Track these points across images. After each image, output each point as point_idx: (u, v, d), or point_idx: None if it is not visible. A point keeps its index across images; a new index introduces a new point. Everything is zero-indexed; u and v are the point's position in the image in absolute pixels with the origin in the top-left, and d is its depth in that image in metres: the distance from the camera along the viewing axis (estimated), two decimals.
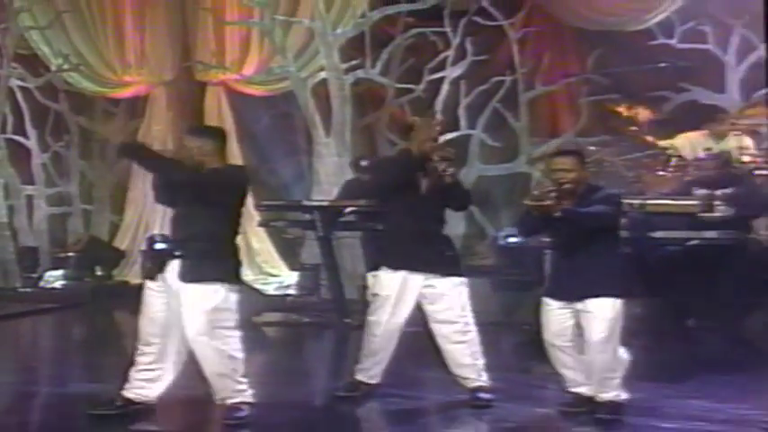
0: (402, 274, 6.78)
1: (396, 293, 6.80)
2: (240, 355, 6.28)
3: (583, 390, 6.48)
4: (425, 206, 6.85)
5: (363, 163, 11.01)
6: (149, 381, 6.38)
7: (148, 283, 6.40)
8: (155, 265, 6.42)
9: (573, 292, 6.38)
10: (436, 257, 6.83)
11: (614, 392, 6.37)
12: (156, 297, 6.32)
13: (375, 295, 6.89)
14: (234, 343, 6.27)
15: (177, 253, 6.25)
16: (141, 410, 6.41)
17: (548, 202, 6.17)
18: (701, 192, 9.85)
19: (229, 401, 6.27)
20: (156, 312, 6.32)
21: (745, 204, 9.71)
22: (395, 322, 6.82)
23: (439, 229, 6.99)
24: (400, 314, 6.82)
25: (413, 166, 6.85)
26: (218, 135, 6.70)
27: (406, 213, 6.86)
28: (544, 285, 6.90)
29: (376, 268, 6.96)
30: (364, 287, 7.86)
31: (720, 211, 9.52)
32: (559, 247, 6.62)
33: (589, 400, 6.45)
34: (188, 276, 6.17)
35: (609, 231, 6.51)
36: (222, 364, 6.24)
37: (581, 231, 6.34)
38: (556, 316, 6.45)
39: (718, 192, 9.78)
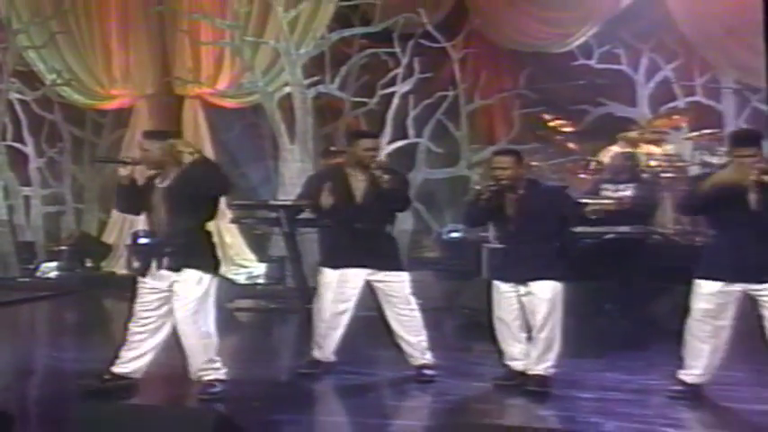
0: (340, 271, 6.81)
1: (335, 288, 6.83)
2: (215, 335, 6.32)
3: (516, 364, 6.54)
4: (364, 210, 6.77)
5: (332, 149, 11.06)
6: (136, 358, 6.40)
7: (141, 279, 6.37)
8: (144, 263, 6.40)
9: (519, 275, 6.41)
10: (376, 254, 6.80)
11: (545, 366, 6.43)
12: (148, 290, 6.33)
13: (320, 286, 6.92)
14: (212, 324, 6.31)
15: (166, 249, 6.23)
16: (126, 385, 6.44)
17: None
18: (608, 186, 10.00)
19: (205, 378, 6.31)
20: (148, 302, 6.33)
21: (644, 200, 9.89)
22: (339, 311, 6.85)
23: (380, 228, 6.92)
24: (342, 305, 6.84)
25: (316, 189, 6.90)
26: (173, 137, 6.58)
27: (345, 217, 6.82)
28: (489, 271, 6.96)
29: (321, 264, 7.00)
30: None
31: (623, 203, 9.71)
32: (507, 236, 6.60)
33: (520, 375, 6.51)
34: (181, 264, 6.18)
35: (552, 222, 6.56)
36: (202, 342, 6.28)
37: (528, 218, 6.38)
38: (505, 296, 6.48)
39: (622, 186, 9.94)
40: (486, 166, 6.66)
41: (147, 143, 6.37)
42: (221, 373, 6.38)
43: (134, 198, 6.45)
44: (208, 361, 6.31)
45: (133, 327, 6.40)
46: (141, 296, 6.37)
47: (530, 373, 6.45)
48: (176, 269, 6.19)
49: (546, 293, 6.37)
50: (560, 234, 6.63)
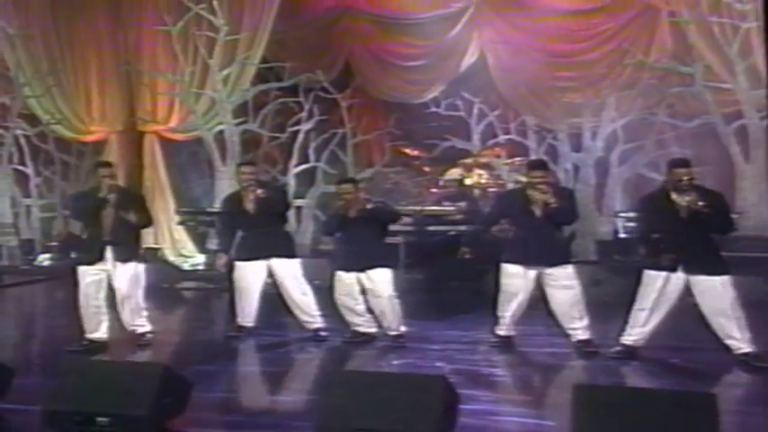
0: (248, 263, 6.78)
1: (247, 274, 6.81)
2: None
3: (358, 328, 6.58)
4: (259, 216, 6.73)
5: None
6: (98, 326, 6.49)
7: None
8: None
9: (359, 265, 6.45)
10: (275, 246, 6.79)
11: (399, 326, 6.47)
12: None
13: (236, 273, 6.87)
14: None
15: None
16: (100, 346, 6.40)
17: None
18: (448, 200, 10.17)
19: (139, 330, 6.58)
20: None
21: (471, 209, 10.07)
22: (250, 291, 6.82)
23: (277, 228, 6.89)
24: (252, 287, 6.82)
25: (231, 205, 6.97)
26: (113, 166, 6.90)
27: (248, 222, 6.80)
28: (334, 264, 6.83)
29: (235, 259, 6.93)
30: None
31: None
32: (349, 236, 6.57)
33: (362, 335, 6.56)
34: (122, 257, 6.41)
35: (383, 226, 6.60)
36: (138, 305, 6.54)
37: (367, 226, 6.40)
38: (345, 282, 6.52)
39: (458, 198, 10.13)
40: (336, 191, 6.69)
41: (101, 170, 6.51)
42: (149, 327, 6.62)
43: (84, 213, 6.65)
44: (143, 317, 6.57)
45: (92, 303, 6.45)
46: (87, 278, 6.43)
47: (390, 333, 6.46)
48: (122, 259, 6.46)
49: (385, 277, 6.43)
50: (385, 235, 6.66)
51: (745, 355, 5.66)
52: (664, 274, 5.77)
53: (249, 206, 6.73)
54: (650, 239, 5.97)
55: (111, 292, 6.53)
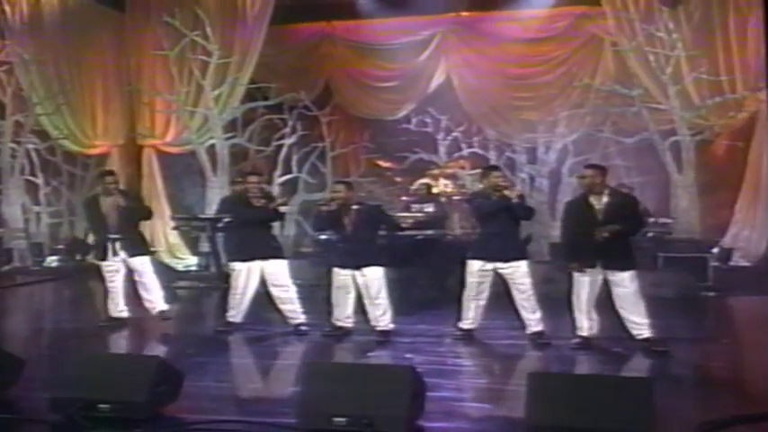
0: (246, 264, 6.73)
1: (244, 274, 6.76)
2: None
3: (339, 323, 6.50)
4: (256, 220, 6.74)
5: (238, 179, 10.80)
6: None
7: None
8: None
9: (353, 262, 6.31)
10: (266, 248, 6.77)
11: (386, 323, 6.41)
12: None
13: (233, 273, 6.82)
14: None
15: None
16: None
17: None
18: (416, 207, 10.16)
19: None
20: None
21: (437, 215, 10.08)
22: (247, 289, 6.78)
23: (266, 231, 6.86)
24: (250, 285, 6.77)
25: (232, 205, 7.27)
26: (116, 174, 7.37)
27: (243, 225, 6.80)
28: (330, 261, 6.77)
29: (232, 260, 6.91)
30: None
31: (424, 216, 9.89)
32: (342, 235, 6.50)
33: (341, 329, 6.49)
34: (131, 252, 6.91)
35: (377, 227, 6.54)
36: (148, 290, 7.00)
37: (358, 226, 6.31)
38: (342, 278, 6.44)
39: (425, 204, 10.14)
40: (330, 190, 6.72)
41: (107, 178, 7.07)
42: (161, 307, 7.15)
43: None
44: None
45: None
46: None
47: (377, 329, 6.37)
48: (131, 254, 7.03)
49: (377, 275, 6.35)
50: (378, 236, 6.58)
51: (646, 340, 5.79)
52: (586, 272, 5.84)
53: (251, 210, 6.73)
54: (572, 241, 6.04)
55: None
